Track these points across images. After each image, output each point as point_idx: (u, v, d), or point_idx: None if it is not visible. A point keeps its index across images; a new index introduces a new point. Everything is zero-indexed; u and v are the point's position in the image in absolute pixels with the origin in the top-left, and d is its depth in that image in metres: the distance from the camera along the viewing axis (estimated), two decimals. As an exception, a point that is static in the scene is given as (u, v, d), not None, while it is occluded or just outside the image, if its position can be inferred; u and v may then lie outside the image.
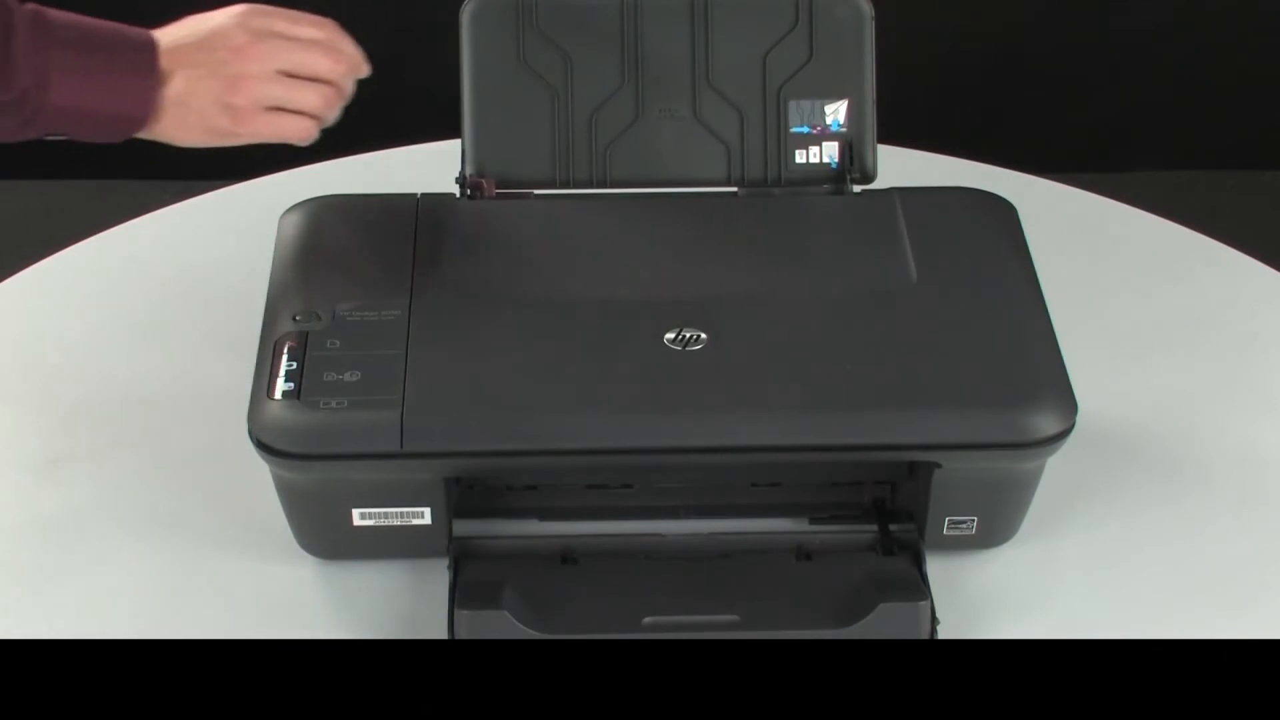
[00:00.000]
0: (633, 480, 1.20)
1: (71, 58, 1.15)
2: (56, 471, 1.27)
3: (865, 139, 1.32)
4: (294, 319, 1.20)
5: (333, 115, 1.23)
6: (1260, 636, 1.17)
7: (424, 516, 1.17)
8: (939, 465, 1.16)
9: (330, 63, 1.22)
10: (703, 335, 1.18)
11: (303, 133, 1.22)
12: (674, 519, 1.20)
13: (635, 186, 1.31)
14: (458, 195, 1.31)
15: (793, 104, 1.31)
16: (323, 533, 1.19)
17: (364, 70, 1.24)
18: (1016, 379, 1.16)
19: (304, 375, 1.15)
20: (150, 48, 1.18)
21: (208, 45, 1.19)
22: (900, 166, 1.37)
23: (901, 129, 1.50)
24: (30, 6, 1.16)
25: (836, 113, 1.31)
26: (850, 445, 1.15)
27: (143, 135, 1.20)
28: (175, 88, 1.19)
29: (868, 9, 1.31)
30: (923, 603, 1.12)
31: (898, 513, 1.20)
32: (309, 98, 1.21)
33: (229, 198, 1.56)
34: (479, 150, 1.31)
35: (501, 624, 1.10)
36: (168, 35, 1.20)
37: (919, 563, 1.17)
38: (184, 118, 1.20)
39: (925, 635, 1.12)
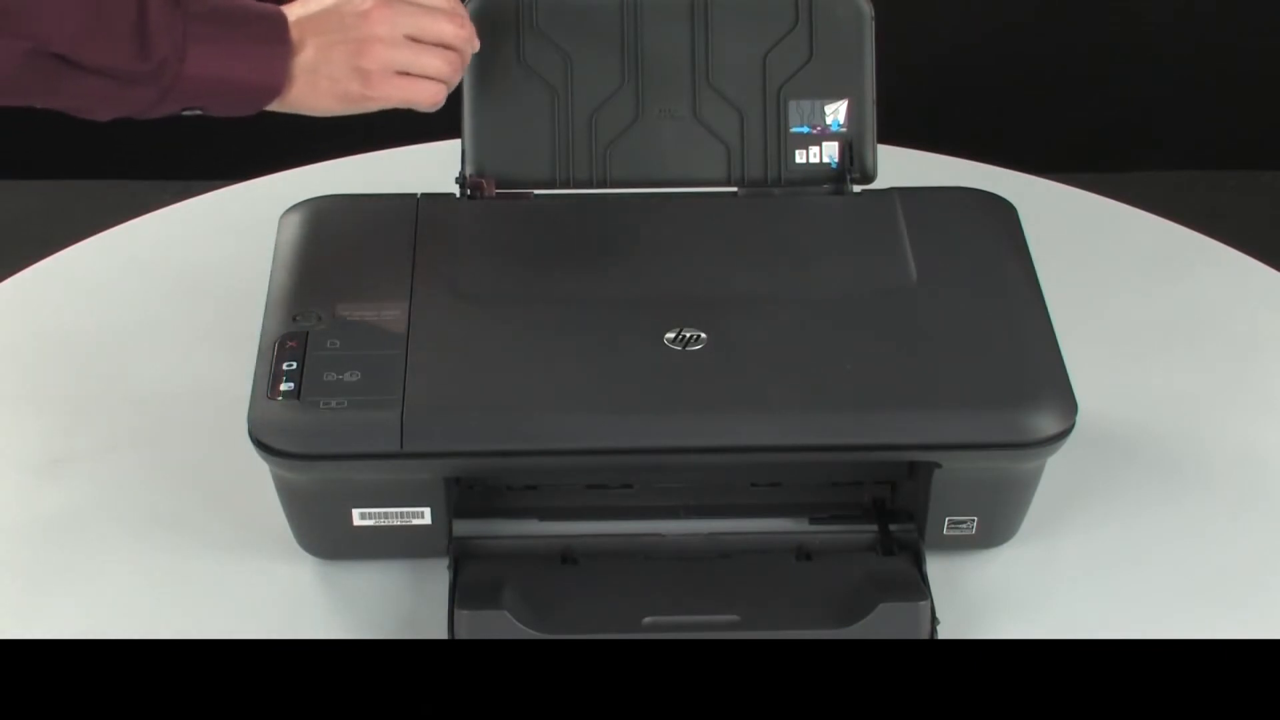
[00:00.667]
0: (633, 480, 1.20)
1: (206, 29, 1.15)
2: (56, 471, 1.27)
3: (865, 139, 1.32)
4: (294, 319, 1.20)
5: (456, 80, 1.23)
6: (1260, 636, 1.17)
7: (424, 516, 1.17)
8: (939, 465, 1.16)
9: (454, 27, 1.21)
10: (703, 335, 1.18)
11: (432, 97, 1.21)
12: (674, 519, 1.20)
13: (635, 186, 1.31)
14: (458, 195, 1.31)
15: (792, 103, 1.31)
16: (323, 533, 1.19)
17: (477, 43, 1.24)
18: (1016, 379, 1.16)
19: (304, 375, 1.15)
20: (281, 18, 1.19)
21: (336, 12, 1.19)
22: (900, 166, 1.37)
23: (901, 129, 1.50)
24: None
25: (836, 112, 1.31)
26: (850, 445, 1.15)
27: (275, 107, 1.20)
28: (306, 56, 1.18)
29: (868, 9, 1.31)
30: (923, 603, 1.12)
31: (898, 513, 1.20)
32: (436, 62, 1.21)
33: (229, 198, 1.56)
34: (479, 150, 1.31)
35: (501, 624, 1.10)
36: (297, 5, 1.21)
37: (919, 563, 1.17)
38: (315, 84, 1.19)
39: (925, 635, 1.12)
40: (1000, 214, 1.31)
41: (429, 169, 1.35)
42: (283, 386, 1.15)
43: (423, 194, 1.31)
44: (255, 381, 1.16)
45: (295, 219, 1.29)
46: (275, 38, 1.18)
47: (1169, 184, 2.54)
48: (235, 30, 1.17)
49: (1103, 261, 1.48)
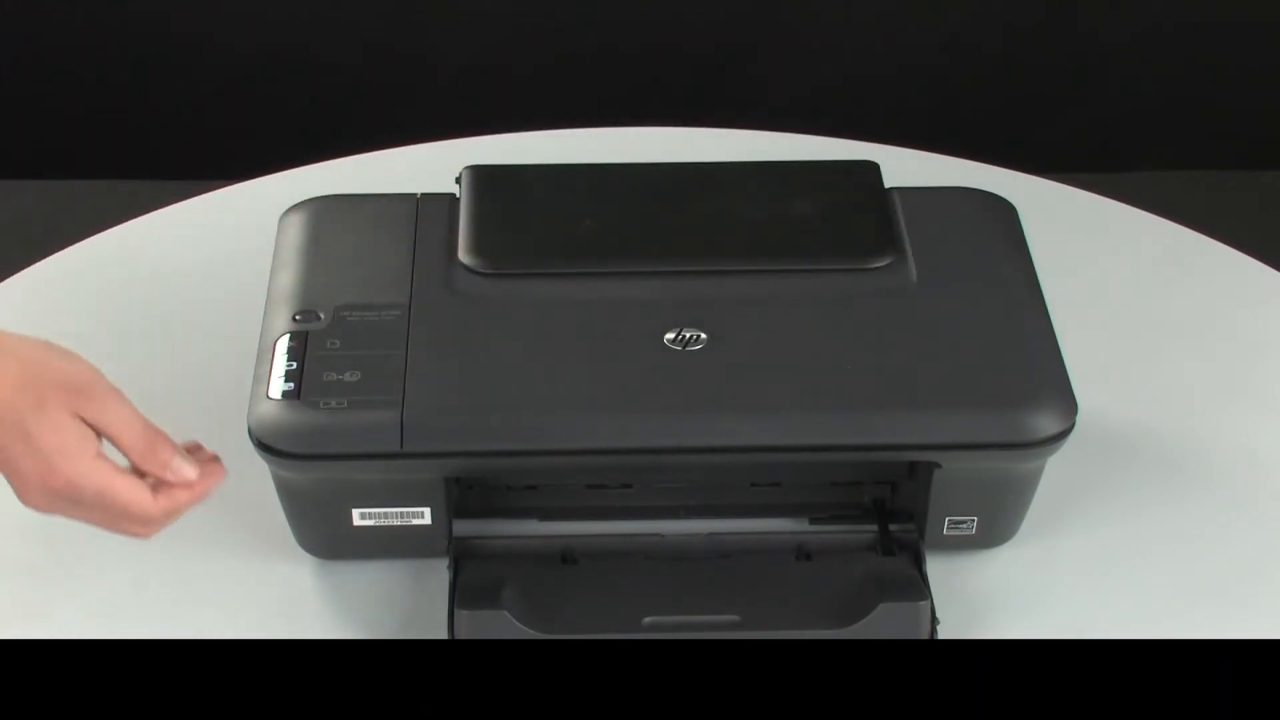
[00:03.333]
0: (633, 480, 1.20)
1: None
2: (56, 471, 1.27)
3: None
4: (294, 319, 1.20)
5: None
6: (1260, 636, 1.16)
7: (424, 516, 1.17)
8: (939, 465, 1.16)
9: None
10: (703, 335, 1.18)
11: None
12: (674, 519, 1.20)
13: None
14: (457, 195, 1.31)
15: None
16: (323, 533, 1.19)
17: (186, 474, 1.08)
18: (1016, 379, 1.16)
19: (304, 375, 1.15)
20: None
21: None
22: (900, 166, 1.37)
23: (901, 129, 1.51)
24: None
25: None
26: (850, 445, 1.15)
27: None
28: None
29: None
30: (923, 603, 1.12)
31: (898, 513, 1.20)
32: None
33: (229, 198, 1.56)
34: None
35: (501, 624, 1.11)
36: None
37: (919, 563, 1.17)
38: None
39: (925, 635, 1.12)
40: (1000, 214, 1.31)
41: (429, 169, 1.35)
42: (283, 386, 1.15)
43: (423, 194, 1.31)
44: (255, 381, 1.16)
45: (295, 219, 1.29)
46: None
47: (1169, 184, 2.54)
48: None
49: (1103, 261, 1.48)
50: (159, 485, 1.06)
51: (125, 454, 1.06)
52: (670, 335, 1.18)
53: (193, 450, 1.09)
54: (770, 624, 1.12)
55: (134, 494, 1.05)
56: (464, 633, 1.11)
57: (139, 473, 1.06)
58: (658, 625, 1.12)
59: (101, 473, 1.04)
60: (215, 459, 1.10)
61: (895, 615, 1.11)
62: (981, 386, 1.16)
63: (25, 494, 1.05)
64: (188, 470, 1.07)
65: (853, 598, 1.13)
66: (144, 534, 1.07)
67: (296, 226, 1.29)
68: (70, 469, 1.03)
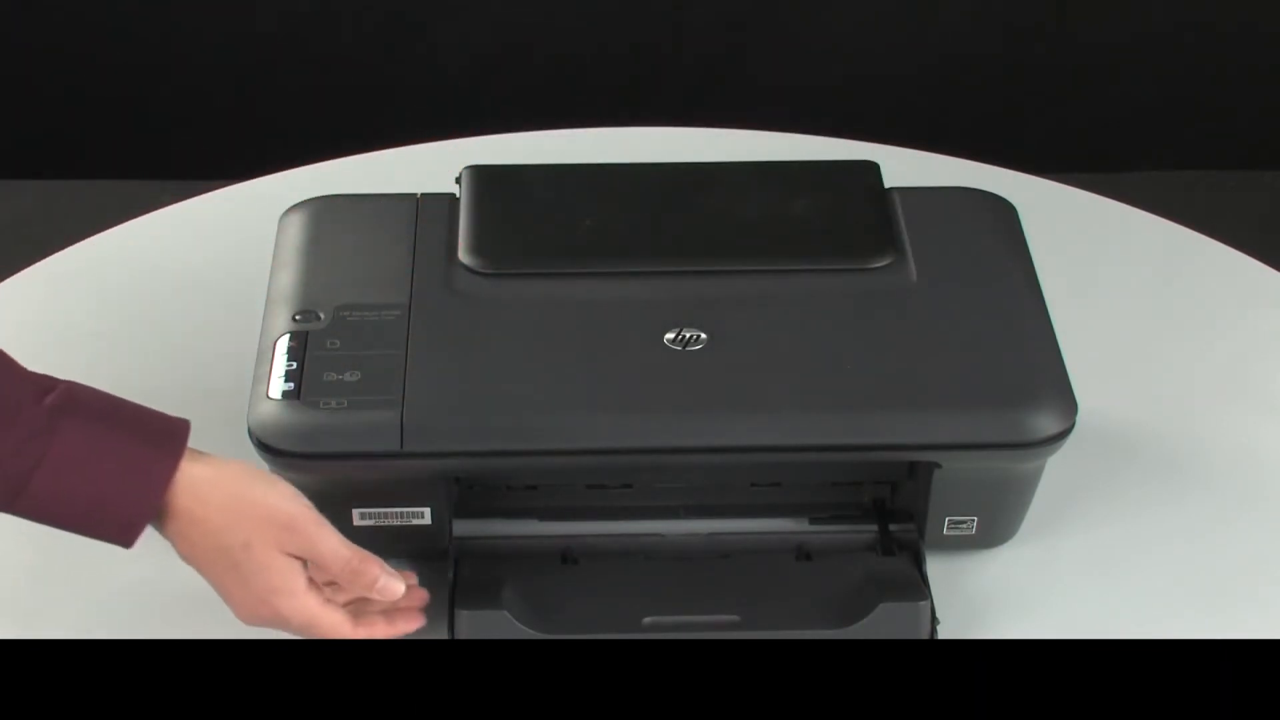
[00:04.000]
0: (633, 480, 1.20)
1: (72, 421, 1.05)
2: (56, 471, 1.27)
3: None
4: (294, 319, 1.20)
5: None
6: (1260, 636, 1.17)
7: (424, 516, 1.17)
8: (939, 465, 1.16)
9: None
10: (703, 335, 1.18)
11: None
12: (674, 519, 1.20)
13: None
14: (457, 195, 1.31)
15: None
16: (323, 533, 1.19)
17: (394, 590, 1.11)
18: (1016, 379, 1.16)
19: (304, 375, 1.15)
20: (181, 430, 1.07)
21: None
22: (900, 166, 1.37)
23: (902, 129, 1.51)
24: None
25: None
26: (850, 445, 1.15)
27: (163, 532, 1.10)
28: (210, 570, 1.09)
29: None
30: (923, 603, 1.12)
31: (898, 513, 1.20)
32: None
33: (229, 198, 1.56)
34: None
35: (502, 624, 1.11)
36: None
37: (919, 562, 1.17)
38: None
39: (925, 635, 1.12)
40: (1000, 214, 1.31)
41: (429, 169, 1.35)
42: (283, 386, 1.15)
43: (423, 194, 1.31)
44: (255, 381, 1.16)
45: (295, 219, 1.29)
46: (163, 444, 1.05)
47: (1169, 184, 2.54)
48: (112, 426, 1.04)
49: (1103, 261, 1.48)
50: (360, 611, 1.11)
51: (334, 579, 1.09)
52: (670, 335, 1.18)
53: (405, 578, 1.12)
54: (770, 624, 1.12)
55: (336, 627, 1.09)
56: (464, 632, 1.11)
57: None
58: (658, 625, 1.12)
59: (307, 609, 1.08)
60: (420, 591, 1.14)
61: (895, 615, 1.12)
62: (981, 386, 1.16)
63: (235, 610, 1.09)
64: (395, 586, 1.10)
65: (853, 598, 1.13)
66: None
67: (296, 226, 1.29)
68: (278, 604, 1.07)
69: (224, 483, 1.07)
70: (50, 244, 1.51)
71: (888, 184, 1.32)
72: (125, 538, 1.06)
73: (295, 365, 1.16)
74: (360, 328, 1.19)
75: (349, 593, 1.11)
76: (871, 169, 1.33)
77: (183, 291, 1.44)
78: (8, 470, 1.02)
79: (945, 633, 1.13)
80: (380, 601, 1.10)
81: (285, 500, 1.08)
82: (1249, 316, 1.43)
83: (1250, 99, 2.59)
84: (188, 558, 1.08)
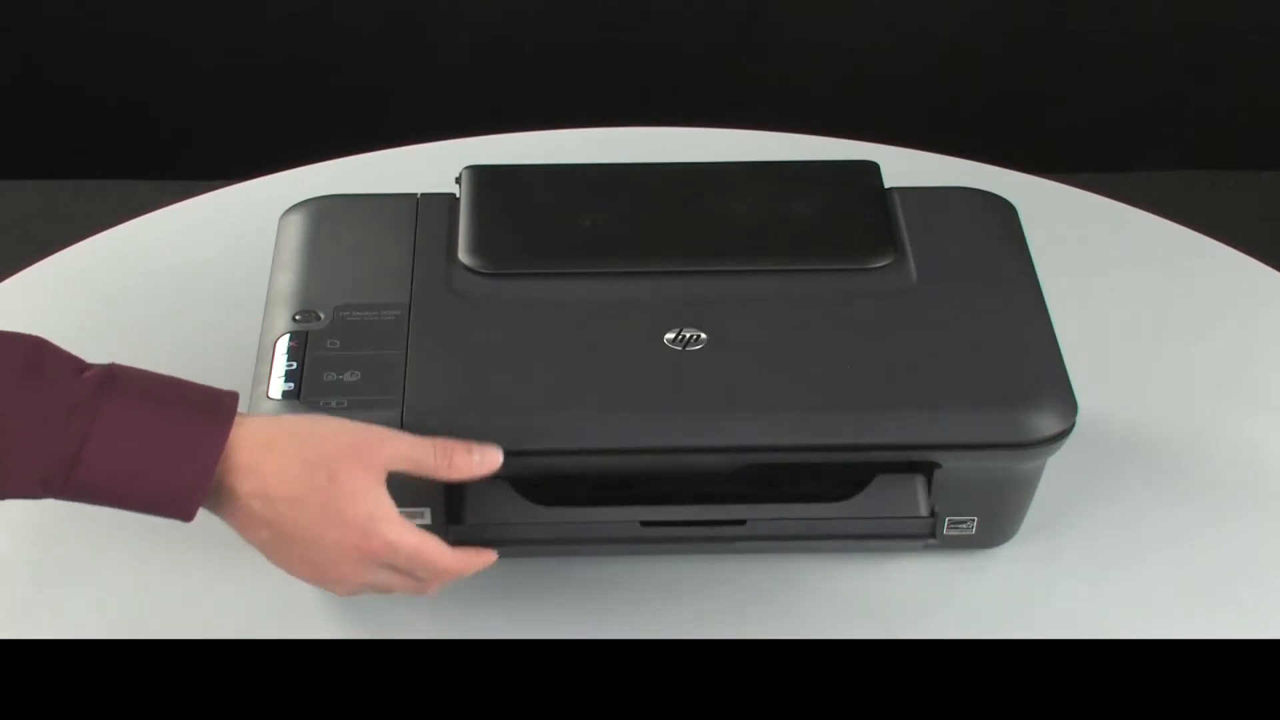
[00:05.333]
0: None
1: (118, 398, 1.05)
2: (56, 471, 1.27)
3: None
4: (294, 319, 1.20)
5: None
6: (1260, 636, 1.17)
7: (424, 516, 1.17)
8: (939, 465, 1.16)
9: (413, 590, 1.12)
10: (703, 335, 1.18)
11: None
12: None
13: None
14: (457, 195, 1.31)
15: None
16: (323, 533, 1.19)
17: (494, 460, 1.12)
18: (1016, 379, 1.16)
19: (304, 375, 1.16)
20: (230, 402, 1.06)
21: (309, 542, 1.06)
22: (900, 166, 1.37)
23: (902, 129, 1.51)
24: None
25: None
26: (850, 445, 1.15)
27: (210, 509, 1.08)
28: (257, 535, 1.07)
29: None
30: (919, 476, 1.14)
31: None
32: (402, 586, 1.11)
33: (229, 198, 1.56)
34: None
35: (503, 498, 1.14)
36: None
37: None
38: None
39: (924, 513, 1.14)
40: (1000, 214, 1.31)
41: (429, 169, 1.35)
42: (283, 386, 1.15)
43: (423, 194, 1.31)
44: (255, 381, 1.16)
45: (295, 219, 1.30)
46: (211, 416, 1.04)
47: (1169, 184, 2.54)
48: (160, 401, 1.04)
49: (1103, 261, 1.48)
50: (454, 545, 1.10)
51: (430, 475, 1.09)
52: (670, 335, 1.18)
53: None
54: (772, 499, 1.15)
55: (440, 549, 1.08)
56: (469, 511, 1.14)
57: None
58: (657, 512, 1.15)
59: (412, 531, 1.07)
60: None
61: (891, 487, 1.14)
62: (981, 386, 1.16)
63: (329, 570, 1.07)
64: (494, 454, 1.10)
65: (852, 472, 1.15)
66: (427, 592, 1.11)
67: (296, 226, 1.29)
68: (385, 531, 1.06)
69: (283, 427, 1.06)
70: (50, 244, 1.51)
71: (888, 184, 1.32)
72: (185, 506, 1.04)
73: (295, 365, 1.16)
74: (360, 328, 1.19)
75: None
76: (871, 169, 1.33)
77: (183, 291, 1.44)
78: (56, 447, 1.02)
79: (945, 633, 1.13)
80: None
81: (346, 424, 1.08)
82: (1249, 316, 1.43)
83: (1250, 99, 2.59)
84: (262, 521, 1.05)
